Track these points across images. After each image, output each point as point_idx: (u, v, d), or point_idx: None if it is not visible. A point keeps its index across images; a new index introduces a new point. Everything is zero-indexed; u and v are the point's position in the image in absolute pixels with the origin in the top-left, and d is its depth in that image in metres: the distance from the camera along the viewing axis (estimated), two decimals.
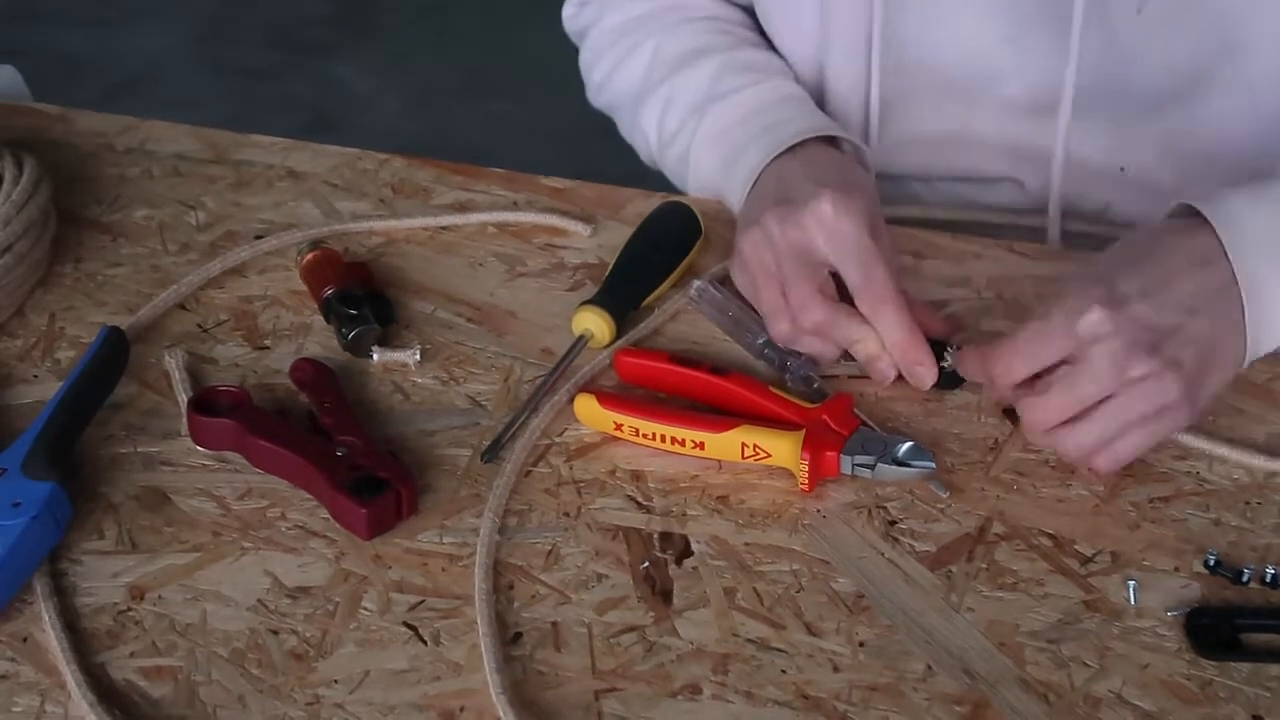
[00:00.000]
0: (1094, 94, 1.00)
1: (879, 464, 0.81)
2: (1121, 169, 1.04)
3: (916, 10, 1.01)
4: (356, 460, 0.81)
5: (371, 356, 0.90)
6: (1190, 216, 0.84)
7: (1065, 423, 0.80)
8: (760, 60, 1.05)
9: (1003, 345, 0.82)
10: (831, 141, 0.98)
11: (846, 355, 0.89)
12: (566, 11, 1.17)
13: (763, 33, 1.09)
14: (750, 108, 1.00)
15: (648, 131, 1.07)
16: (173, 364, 0.90)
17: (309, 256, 0.96)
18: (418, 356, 0.90)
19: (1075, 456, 0.81)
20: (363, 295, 0.92)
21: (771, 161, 0.95)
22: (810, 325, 0.87)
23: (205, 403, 0.85)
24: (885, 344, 0.86)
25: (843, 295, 0.88)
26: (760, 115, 0.99)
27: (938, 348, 0.87)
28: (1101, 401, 0.79)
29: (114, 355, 0.88)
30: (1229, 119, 0.99)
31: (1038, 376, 0.81)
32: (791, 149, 0.95)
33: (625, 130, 1.13)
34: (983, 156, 1.07)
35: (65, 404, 0.83)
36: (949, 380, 0.87)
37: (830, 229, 0.86)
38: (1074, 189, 1.05)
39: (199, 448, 0.84)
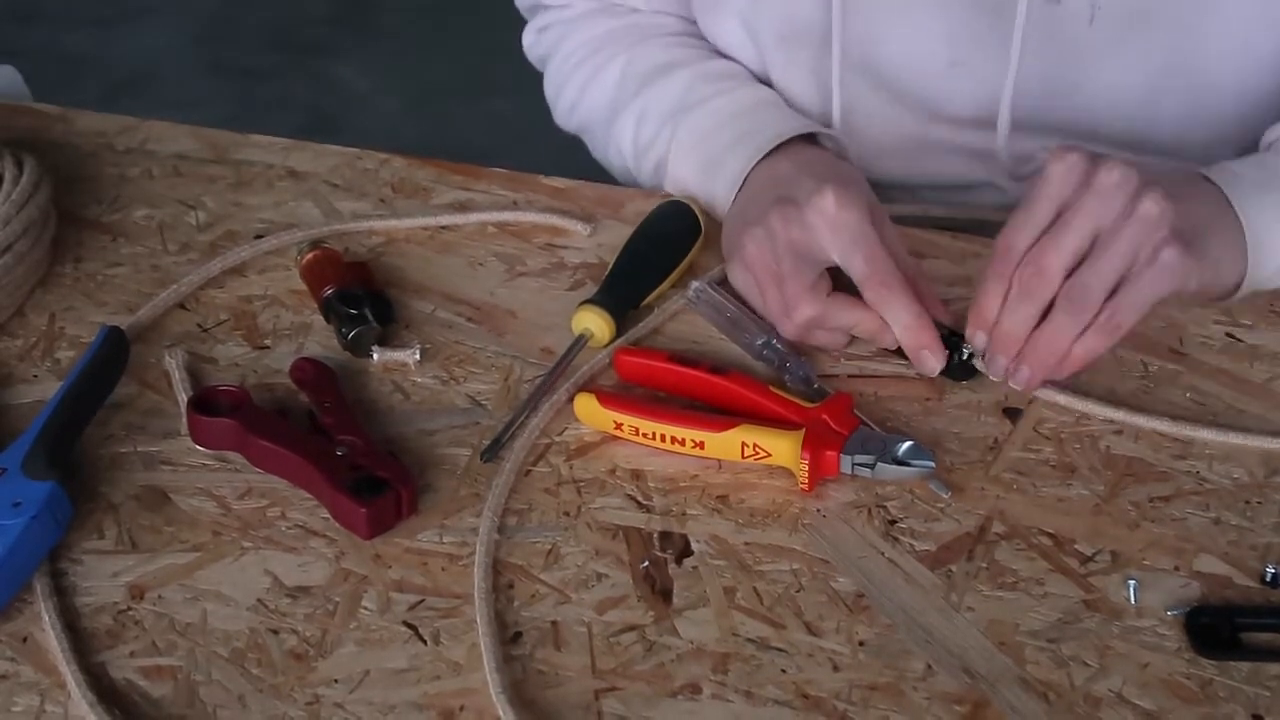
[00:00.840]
0: (1041, 110, 1.02)
1: (879, 463, 0.80)
2: None
3: (867, 27, 1.02)
4: (356, 460, 0.81)
5: (371, 356, 0.90)
6: None
7: (1067, 279, 0.82)
8: (730, 69, 1.07)
9: (1004, 230, 0.84)
10: (810, 140, 0.99)
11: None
12: (526, 40, 1.18)
13: None
14: (727, 114, 1.02)
15: (623, 146, 1.08)
16: (173, 364, 0.90)
17: (309, 256, 0.96)
18: (418, 356, 0.90)
19: (1080, 318, 0.82)
20: (363, 295, 0.92)
21: (758, 164, 0.96)
22: (803, 321, 0.87)
23: (205, 402, 0.85)
24: (894, 330, 0.87)
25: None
26: (736, 121, 1.01)
27: (955, 338, 0.87)
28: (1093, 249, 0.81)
29: (114, 355, 0.88)
30: (1186, 124, 1.01)
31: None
32: (776, 150, 0.96)
33: (599, 150, 1.14)
34: (954, 163, 1.08)
35: (65, 404, 0.83)
36: (963, 371, 0.87)
37: (833, 222, 0.87)
38: None
39: (199, 447, 0.84)
